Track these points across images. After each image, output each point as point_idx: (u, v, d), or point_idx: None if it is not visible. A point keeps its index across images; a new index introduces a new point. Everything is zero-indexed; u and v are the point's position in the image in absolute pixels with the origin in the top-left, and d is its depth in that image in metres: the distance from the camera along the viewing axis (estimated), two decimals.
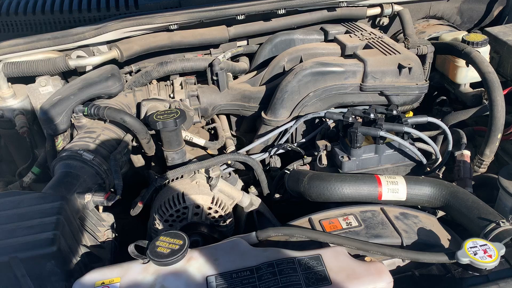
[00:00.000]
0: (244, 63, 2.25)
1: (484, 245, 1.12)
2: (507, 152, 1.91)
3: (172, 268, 1.13)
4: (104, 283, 1.12)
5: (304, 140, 1.88)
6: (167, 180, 1.58)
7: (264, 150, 1.92)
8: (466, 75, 2.11)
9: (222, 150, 1.96)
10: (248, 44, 2.37)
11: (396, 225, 1.30)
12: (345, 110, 1.72)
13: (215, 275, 1.10)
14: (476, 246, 1.12)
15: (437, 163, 1.70)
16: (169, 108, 1.83)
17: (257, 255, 1.16)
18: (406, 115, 2.06)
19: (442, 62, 2.22)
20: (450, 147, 1.68)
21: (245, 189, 1.85)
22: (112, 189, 1.70)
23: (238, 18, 2.11)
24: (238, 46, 2.32)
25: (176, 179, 1.61)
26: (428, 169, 1.75)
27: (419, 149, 1.81)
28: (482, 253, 1.10)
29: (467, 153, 1.70)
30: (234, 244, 1.20)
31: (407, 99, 1.87)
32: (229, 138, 1.96)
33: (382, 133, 1.54)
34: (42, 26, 2.17)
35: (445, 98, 2.27)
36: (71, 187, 1.43)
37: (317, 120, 1.91)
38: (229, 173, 1.81)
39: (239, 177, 1.88)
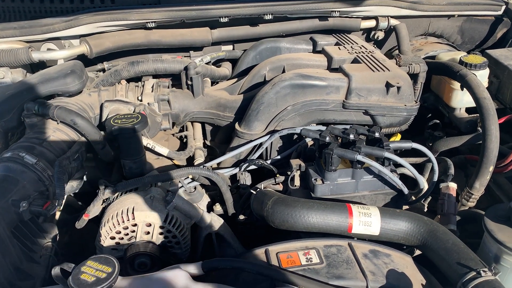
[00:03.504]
0: (225, 69, 2.10)
1: None
2: (500, 186, 1.76)
3: None
4: None
5: (279, 157, 1.73)
6: (117, 193, 1.42)
7: (236, 164, 1.77)
8: (461, 99, 1.96)
9: (191, 161, 1.81)
10: (233, 49, 2.23)
11: (363, 265, 1.14)
12: (324, 128, 1.57)
13: None
14: None
15: (421, 194, 1.54)
16: (134, 111, 1.68)
17: None
18: (393, 138, 1.92)
19: (438, 83, 2.07)
20: (436, 177, 1.53)
21: (211, 205, 1.70)
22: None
23: (222, 20, 1.97)
24: (222, 51, 2.18)
25: (129, 192, 1.46)
26: (413, 198, 1.60)
27: (404, 176, 1.66)
28: None
29: (453, 185, 1.54)
30: (173, 276, 1.04)
31: (394, 121, 1.72)
32: (199, 149, 1.81)
33: (359, 157, 1.39)
34: (11, 15, 2.03)
35: (438, 122, 2.12)
36: (6, 193, 1.28)
37: (295, 137, 1.75)
38: (195, 188, 1.66)
39: (206, 192, 1.73)
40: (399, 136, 1.91)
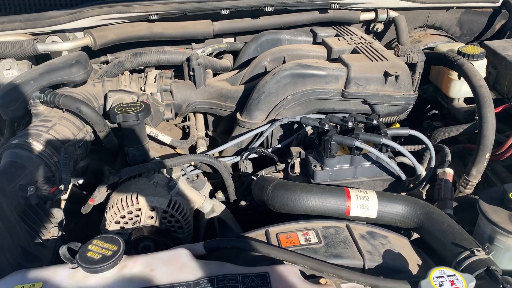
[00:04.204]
0: (227, 60, 2.14)
1: (453, 275, 1.00)
2: (496, 174, 1.78)
3: (101, 276, 1.01)
4: (24, 287, 1.00)
5: (280, 145, 1.76)
6: (122, 179, 1.46)
7: (238, 153, 1.80)
8: (460, 89, 1.99)
9: (193, 150, 1.84)
10: (235, 41, 2.26)
11: (360, 245, 1.17)
12: (323, 116, 1.60)
13: None
14: (443, 276, 0.99)
15: (419, 180, 1.57)
16: (137, 101, 1.72)
17: (198, 268, 1.03)
18: (392, 127, 1.94)
19: (436, 74, 2.09)
20: (433, 164, 1.56)
21: (213, 193, 1.74)
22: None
23: (223, 12, 2.00)
24: (224, 43, 2.21)
25: (133, 178, 1.50)
26: (412, 185, 1.63)
27: (403, 164, 1.69)
28: (448, 285, 0.98)
29: (449, 171, 1.57)
30: (176, 254, 1.08)
31: (393, 110, 1.75)
32: (201, 138, 1.84)
33: (357, 144, 1.42)
34: (16, 8, 2.06)
35: (437, 112, 2.15)
36: (13, 178, 1.32)
37: (296, 126, 1.79)
38: (197, 176, 1.70)
39: (209, 180, 1.77)
40: (397, 126, 1.94)
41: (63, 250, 1.07)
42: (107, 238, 1.07)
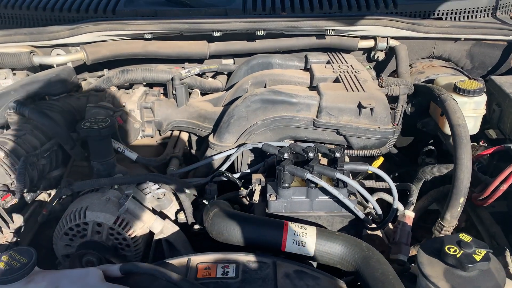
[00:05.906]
0: (219, 81, 2.15)
1: None
2: (482, 221, 1.64)
3: None
4: None
5: (248, 170, 1.73)
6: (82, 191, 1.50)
7: (207, 175, 1.79)
8: None
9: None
10: (234, 63, 2.27)
11: (280, 284, 1.11)
12: (287, 144, 1.56)
13: None
14: None
15: (382, 221, 1.48)
16: (112, 115, 1.76)
17: None
18: (376, 162, 1.85)
19: (434, 108, 1.97)
20: (395, 204, 1.46)
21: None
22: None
23: (215, 34, 2.02)
24: (214, 64, 2.23)
25: (90, 192, 1.52)
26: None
27: (381, 200, 1.61)
28: None
29: (409, 214, 1.46)
30: (85, 274, 1.08)
31: (368, 143, 1.67)
32: (175, 157, 1.84)
33: (309, 176, 1.36)
34: (25, 21, 2.20)
35: (433, 148, 2.02)
36: None
37: (268, 152, 1.75)
38: (163, 194, 1.70)
39: (177, 199, 1.76)
40: (381, 159, 1.84)
41: None
42: (21, 251, 1.09)
